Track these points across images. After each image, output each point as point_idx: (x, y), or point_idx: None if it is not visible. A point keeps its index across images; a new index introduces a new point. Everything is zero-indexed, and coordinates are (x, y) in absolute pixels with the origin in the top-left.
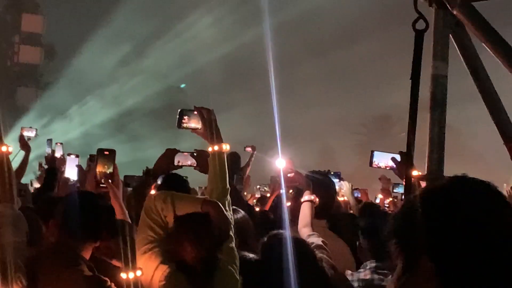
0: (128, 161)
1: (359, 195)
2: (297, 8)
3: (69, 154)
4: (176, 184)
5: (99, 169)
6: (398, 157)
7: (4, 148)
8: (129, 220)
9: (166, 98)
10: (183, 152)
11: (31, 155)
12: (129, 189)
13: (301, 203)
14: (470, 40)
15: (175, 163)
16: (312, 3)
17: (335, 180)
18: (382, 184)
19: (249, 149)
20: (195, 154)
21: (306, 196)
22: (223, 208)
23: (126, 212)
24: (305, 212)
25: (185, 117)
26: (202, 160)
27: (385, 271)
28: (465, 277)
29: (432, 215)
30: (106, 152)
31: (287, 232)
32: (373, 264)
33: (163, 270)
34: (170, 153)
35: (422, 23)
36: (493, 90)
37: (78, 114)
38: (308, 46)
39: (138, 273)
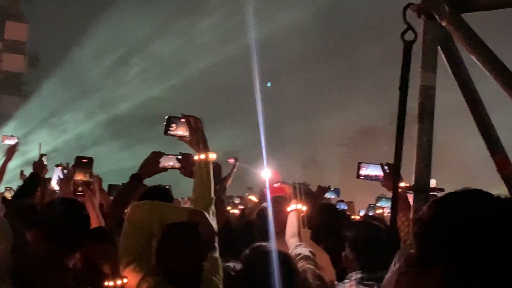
0: (116, 168)
1: (346, 207)
2: (284, 20)
3: (57, 166)
4: (159, 194)
5: (77, 176)
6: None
7: None
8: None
9: (150, 108)
10: (168, 154)
11: (15, 163)
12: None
13: (288, 212)
14: (459, 52)
15: (160, 166)
16: (299, 16)
17: (333, 196)
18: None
19: (231, 160)
20: (179, 157)
21: (293, 205)
22: (208, 218)
23: (102, 220)
24: (292, 221)
25: (173, 125)
26: (187, 163)
27: (371, 283)
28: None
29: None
30: (84, 160)
31: (272, 244)
32: (359, 275)
33: (148, 282)
34: (156, 156)
35: (411, 34)
36: (480, 102)
37: (63, 122)
38: (293, 59)
39: (120, 282)
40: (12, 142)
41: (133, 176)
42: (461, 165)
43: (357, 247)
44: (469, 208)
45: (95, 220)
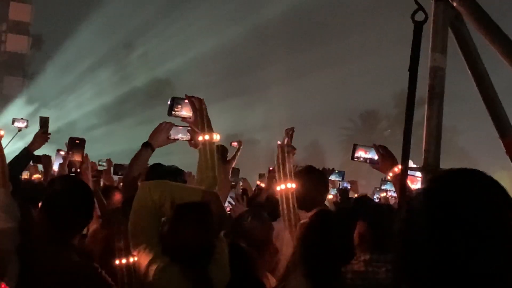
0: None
1: (349, 186)
2: (287, 2)
3: (58, 151)
4: (172, 175)
5: (71, 157)
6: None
7: None
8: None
9: (153, 89)
10: (177, 126)
11: (19, 144)
12: (116, 177)
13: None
14: (469, 33)
15: (169, 138)
16: None
17: (339, 179)
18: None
19: (235, 143)
20: (189, 128)
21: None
22: (220, 199)
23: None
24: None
25: (177, 105)
26: (196, 135)
27: (379, 264)
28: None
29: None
30: (77, 141)
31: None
32: (367, 257)
33: (158, 263)
34: (167, 127)
35: (421, 15)
36: (490, 84)
37: (67, 103)
38: (297, 40)
39: (131, 260)
40: (21, 125)
41: (144, 144)
42: (462, 149)
43: (377, 227)
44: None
45: None
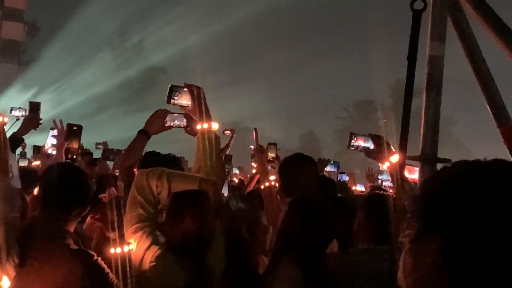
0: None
1: (346, 179)
2: None
3: (52, 129)
4: (170, 162)
5: (68, 144)
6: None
7: None
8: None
9: (148, 77)
10: (173, 113)
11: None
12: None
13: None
14: (468, 21)
15: (165, 125)
16: None
17: (333, 170)
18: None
19: (228, 132)
20: (184, 114)
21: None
22: (218, 187)
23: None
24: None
25: (176, 93)
26: (192, 122)
27: (377, 253)
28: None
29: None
30: (75, 128)
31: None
32: (365, 246)
33: (154, 250)
34: (162, 114)
35: (420, 3)
36: (488, 73)
37: (62, 91)
38: (292, 31)
39: (126, 248)
40: (19, 113)
41: (140, 132)
42: (457, 139)
43: (377, 217)
44: (465, 179)
45: None
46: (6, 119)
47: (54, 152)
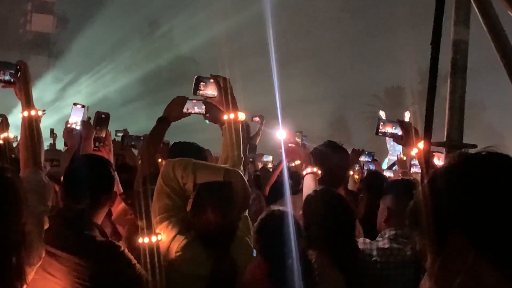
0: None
1: (374, 167)
2: None
3: (75, 104)
4: (194, 152)
5: (97, 133)
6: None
7: (33, 112)
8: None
9: (178, 67)
10: (192, 99)
11: (48, 121)
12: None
13: (304, 175)
14: (492, 5)
15: (184, 111)
16: None
17: (367, 159)
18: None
19: (257, 119)
20: (205, 100)
21: (309, 169)
22: (244, 177)
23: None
24: (308, 184)
25: (201, 84)
26: (212, 108)
27: (405, 240)
28: (502, 244)
29: (469, 184)
30: (103, 116)
31: (288, 205)
32: (393, 232)
33: (180, 240)
34: (181, 101)
35: None
36: None
37: (92, 82)
38: (321, 16)
39: (155, 238)
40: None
41: (159, 119)
42: (488, 124)
43: (405, 201)
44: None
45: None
46: (40, 113)
47: (78, 128)
